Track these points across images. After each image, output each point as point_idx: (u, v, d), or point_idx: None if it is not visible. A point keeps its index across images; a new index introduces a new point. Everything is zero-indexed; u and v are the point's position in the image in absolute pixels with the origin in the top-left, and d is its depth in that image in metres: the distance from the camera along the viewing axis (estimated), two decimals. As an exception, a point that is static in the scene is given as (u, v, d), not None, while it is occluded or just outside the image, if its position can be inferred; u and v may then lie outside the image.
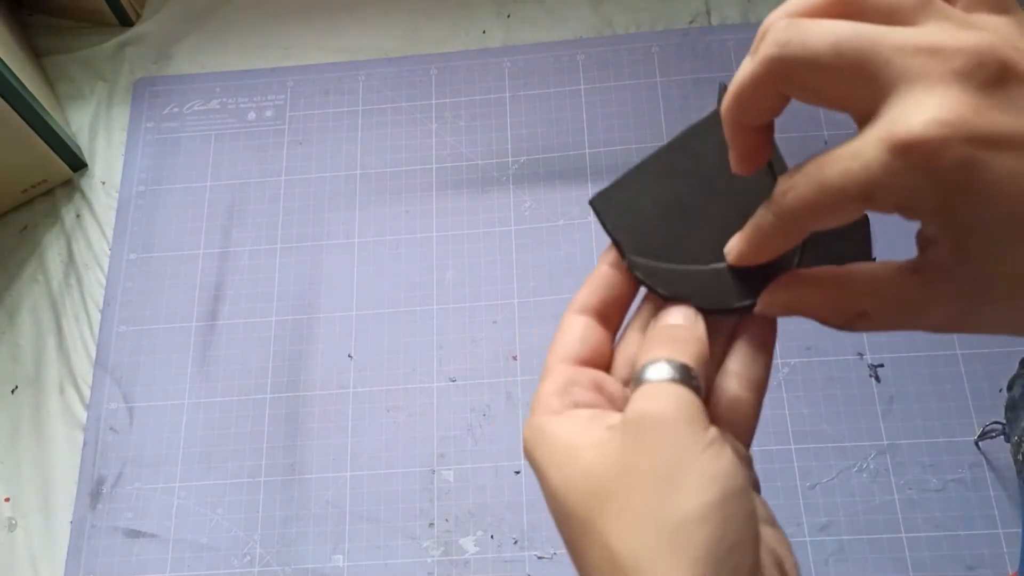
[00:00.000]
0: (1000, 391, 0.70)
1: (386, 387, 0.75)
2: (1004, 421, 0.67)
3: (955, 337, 0.72)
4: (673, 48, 0.86)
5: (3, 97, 0.75)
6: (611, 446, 0.24)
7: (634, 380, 0.26)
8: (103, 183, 0.85)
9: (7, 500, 0.74)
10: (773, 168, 0.32)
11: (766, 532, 0.25)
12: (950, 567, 0.66)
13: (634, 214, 0.34)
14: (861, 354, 0.73)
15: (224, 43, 0.92)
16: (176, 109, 0.88)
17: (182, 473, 0.73)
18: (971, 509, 0.67)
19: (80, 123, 0.88)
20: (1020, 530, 0.66)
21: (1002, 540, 0.66)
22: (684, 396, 0.24)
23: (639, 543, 0.22)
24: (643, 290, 0.31)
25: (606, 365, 0.29)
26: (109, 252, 0.82)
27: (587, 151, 0.82)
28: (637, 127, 0.82)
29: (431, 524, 0.70)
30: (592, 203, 0.34)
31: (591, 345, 0.29)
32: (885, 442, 0.70)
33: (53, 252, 0.83)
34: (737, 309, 0.30)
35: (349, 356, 0.76)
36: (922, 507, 0.68)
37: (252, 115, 0.87)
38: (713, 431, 0.24)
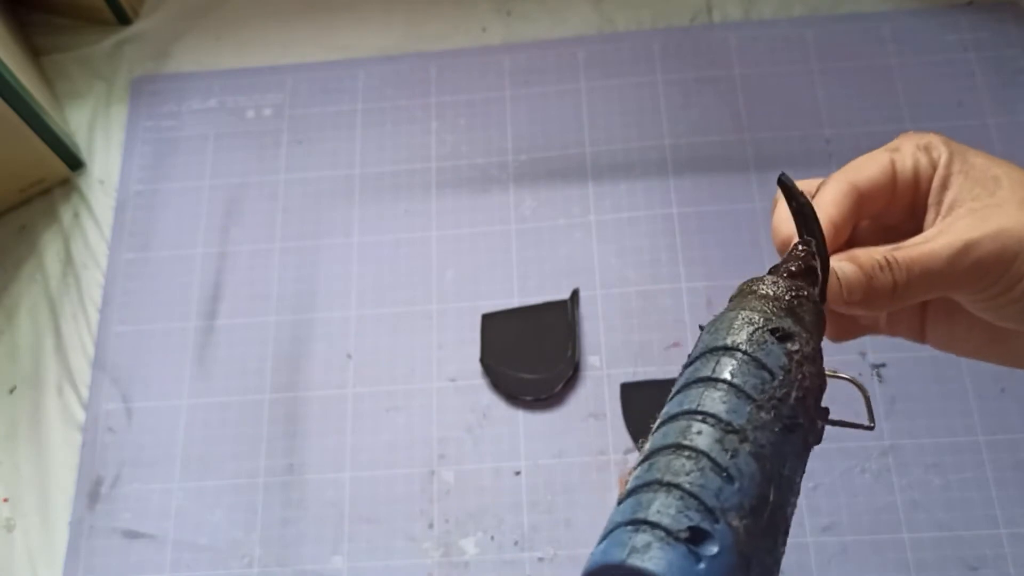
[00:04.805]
0: (1003, 391, 0.70)
1: (385, 387, 0.74)
2: None
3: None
4: (674, 46, 0.86)
5: (1, 96, 0.74)
6: None
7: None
8: (101, 182, 0.85)
9: (5, 500, 0.73)
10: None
11: None
12: (953, 568, 0.65)
13: (503, 336, 0.74)
14: (863, 353, 0.72)
15: (223, 41, 0.91)
16: (174, 108, 0.88)
17: (181, 473, 0.73)
18: (974, 509, 0.67)
19: (78, 122, 0.88)
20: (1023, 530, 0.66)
21: (1004, 541, 0.66)
22: None
23: None
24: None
25: None
26: (107, 252, 0.82)
27: (588, 149, 0.81)
28: (638, 125, 0.82)
29: (431, 525, 0.69)
30: (483, 317, 0.74)
31: None
32: (888, 442, 0.69)
33: (51, 252, 0.82)
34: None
35: (348, 356, 0.76)
36: (925, 507, 0.67)
37: (251, 114, 0.87)
38: None
